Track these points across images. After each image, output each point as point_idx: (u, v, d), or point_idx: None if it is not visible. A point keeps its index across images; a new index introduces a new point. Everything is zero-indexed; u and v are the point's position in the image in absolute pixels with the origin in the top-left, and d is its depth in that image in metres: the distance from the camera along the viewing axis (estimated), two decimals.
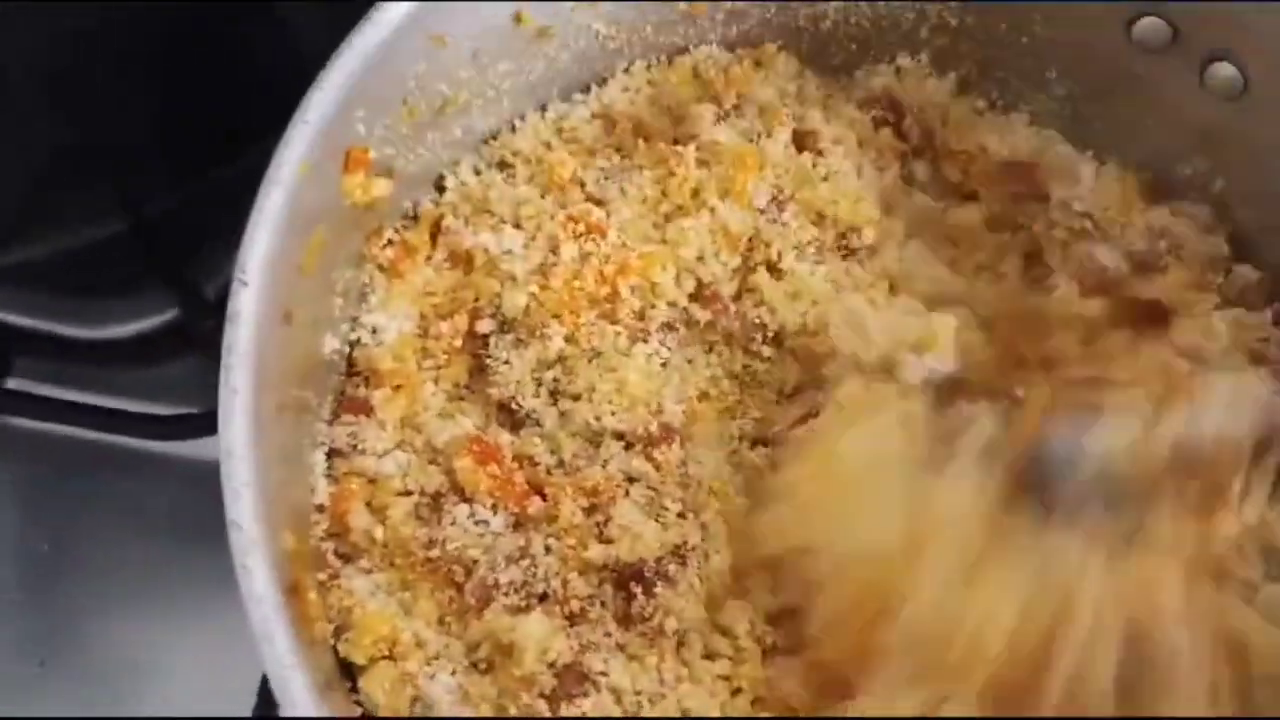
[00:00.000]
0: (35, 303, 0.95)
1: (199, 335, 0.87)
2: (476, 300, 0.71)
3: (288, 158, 0.61)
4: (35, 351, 0.95)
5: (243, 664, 0.77)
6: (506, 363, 0.70)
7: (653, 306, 0.71)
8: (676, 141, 0.76)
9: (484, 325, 0.71)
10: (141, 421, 0.90)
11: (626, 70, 0.80)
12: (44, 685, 0.88)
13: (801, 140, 0.77)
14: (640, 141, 0.77)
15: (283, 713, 0.52)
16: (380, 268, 0.73)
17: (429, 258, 0.74)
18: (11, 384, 0.94)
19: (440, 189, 0.77)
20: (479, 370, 0.72)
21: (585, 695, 0.59)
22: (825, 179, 0.75)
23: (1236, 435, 0.62)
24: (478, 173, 0.77)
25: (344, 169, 0.67)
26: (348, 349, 0.72)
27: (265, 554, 0.54)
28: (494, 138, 0.78)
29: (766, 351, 0.72)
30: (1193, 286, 0.75)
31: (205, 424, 0.85)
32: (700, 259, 0.72)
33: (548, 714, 0.59)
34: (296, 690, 0.53)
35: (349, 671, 0.63)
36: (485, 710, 0.61)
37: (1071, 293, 0.73)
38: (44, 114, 0.83)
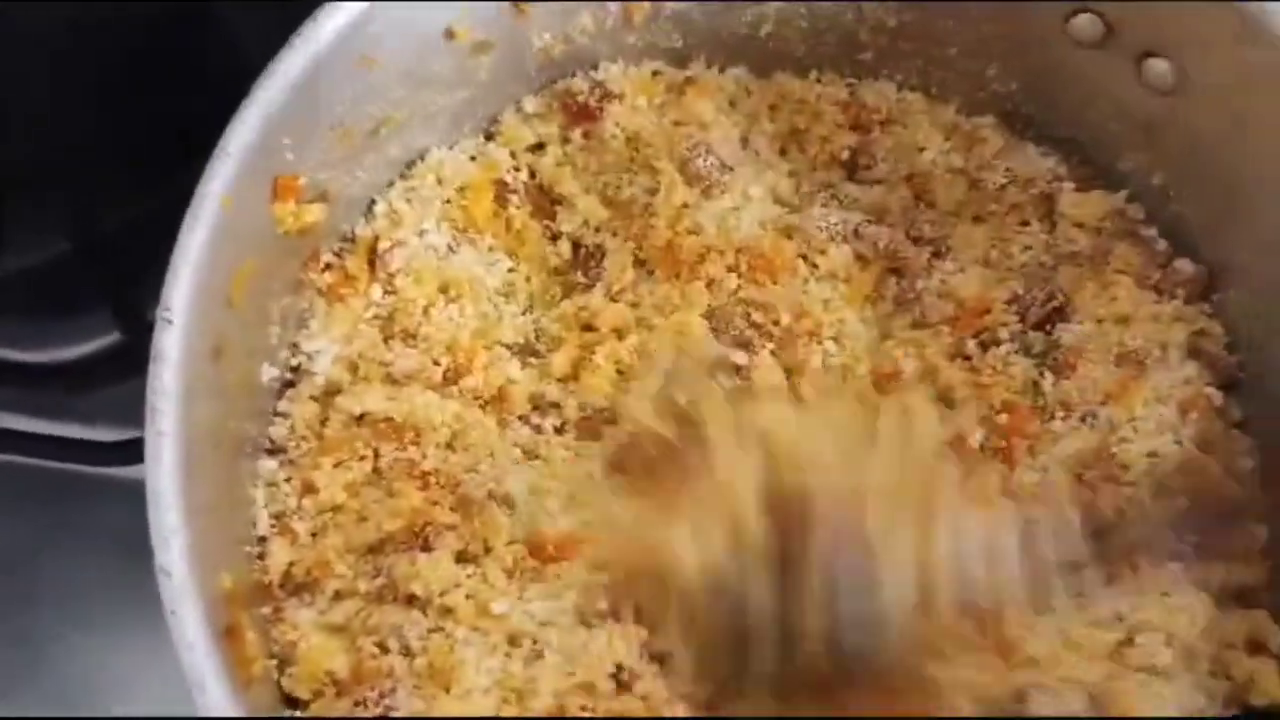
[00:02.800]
0: None
1: (142, 358, 0.86)
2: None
3: (209, 191, 0.61)
4: None
5: None
6: None
7: None
8: None
9: None
10: (86, 448, 0.89)
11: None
12: (6, 711, 0.88)
13: None
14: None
15: None
16: (319, 292, 0.73)
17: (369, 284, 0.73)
18: None
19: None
20: None
21: None
22: None
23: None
24: (408, 199, 0.76)
25: (273, 197, 0.67)
26: (288, 375, 0.72)
27: (196, 599, 0.54)
28: (422, 159, 0.77)
29: None
30: (1134, 282, 0.75)
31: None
32: None
33: None
34: None
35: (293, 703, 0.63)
36: None
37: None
38: None
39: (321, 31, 0.66)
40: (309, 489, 0.68)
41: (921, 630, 0.61)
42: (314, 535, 0.67)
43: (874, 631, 0.61)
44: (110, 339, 0.91)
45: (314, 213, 0.70)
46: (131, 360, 0.89)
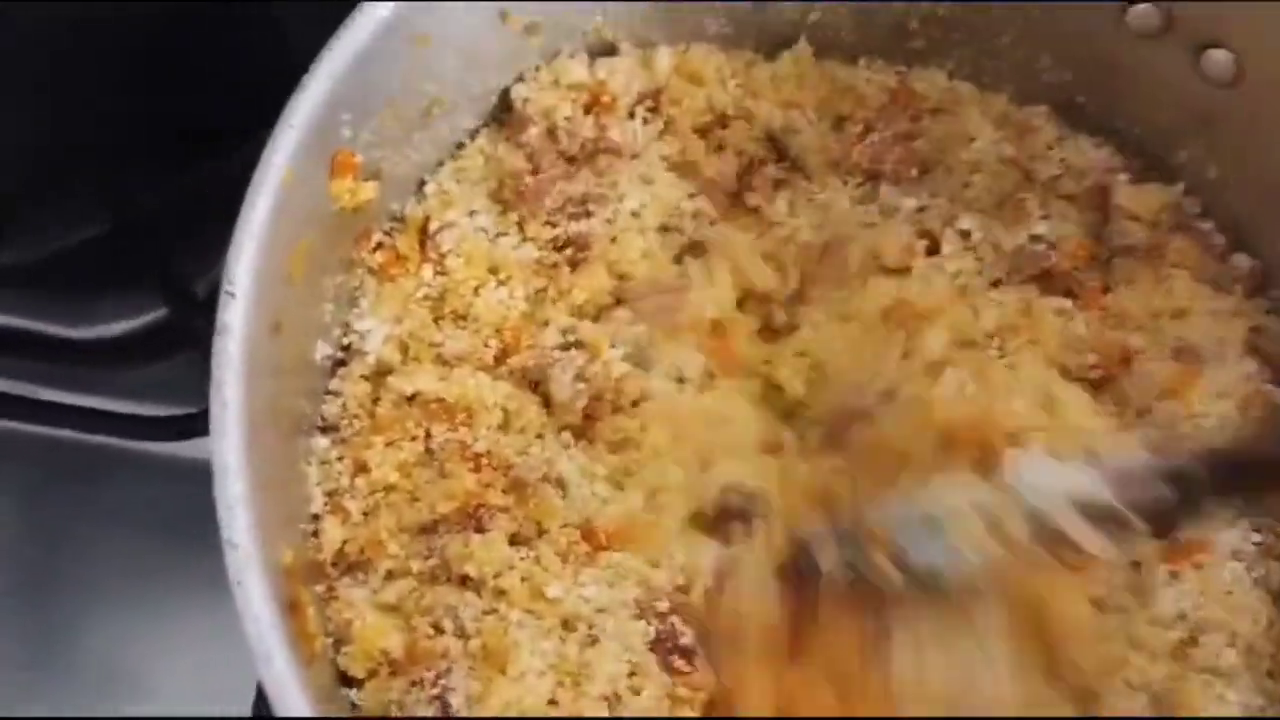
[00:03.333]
0: (22, 304, 0.94)
1: (188, 334, 0.86)
2: None
3: (273, 163, 0.61)
4: (23, 353, 0.94)
5: (239, 664, 0.77)
6: None
7: None
8: None
9: None
10: (132, 422, 0.89)
11: None
12: (39, 688, 0.88)
13: None
14: None
15: None
16: (370, 271, 0.73)
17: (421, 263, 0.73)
18: (1, 386, 0.93)
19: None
20: None
21: None
22: None
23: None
24: (458, 180, 0.76)
25: (331, 173, 0.66)
26: (340, 354, 0.71)
27: (261, 571, 0.54)
28: (472, 139, 0.77)
29: None
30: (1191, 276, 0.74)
31: (196, 424, 0.84)
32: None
33: None
34: (295, 709, 0.52)
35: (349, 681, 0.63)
36: None
37: None
38: (29, 112, 0.81)
39: (381, 7, 0.66)
40: (361, 468, 0.68)
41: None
42: (366, 514, 0.67)
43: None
44: (156, 315, 0.91)
45: (368, 190, 0.69)
46: (176, 336, 0.90)
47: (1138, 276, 0.74)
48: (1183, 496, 0.60)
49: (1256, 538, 0.67)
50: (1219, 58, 0.72)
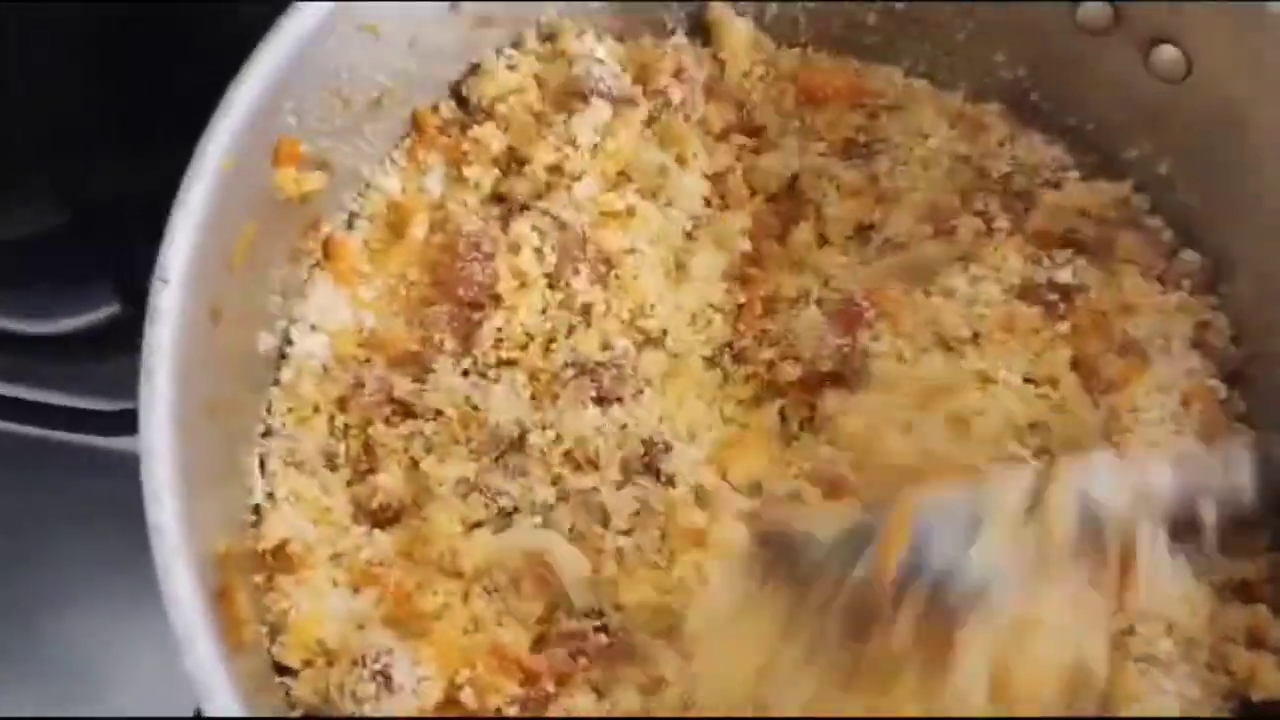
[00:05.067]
0: None
1: (141, 329, 0.85)
2: None
3: (210, 151, 0.60)
4: None
5: None
6: None
7: None
8: None
9: None
10: (88, 417, 0.88)
11: None
12: None
13: None
14: None
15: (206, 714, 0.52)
16: (317, 263, 0.72)
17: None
18: None
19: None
20: None
21: None
22: None
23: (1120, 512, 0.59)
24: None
25: (274, 162, 0.66)
26: (285, 346, 0.71)
27: (188, 558, 0.53)
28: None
29: None
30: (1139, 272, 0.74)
31: None
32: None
33: None
34: (220, 695, 0.52)
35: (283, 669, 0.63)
36: None
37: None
38: None
39: None
40: (304, 459, 0.68)
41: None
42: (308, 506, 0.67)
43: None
44: (111, 310, 0.91)
45: (315, 181, 0.69)
46: (132, 332, 0.89)
47: (1088, 272, 0.74)
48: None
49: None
50: (1168, 54, 0.72)
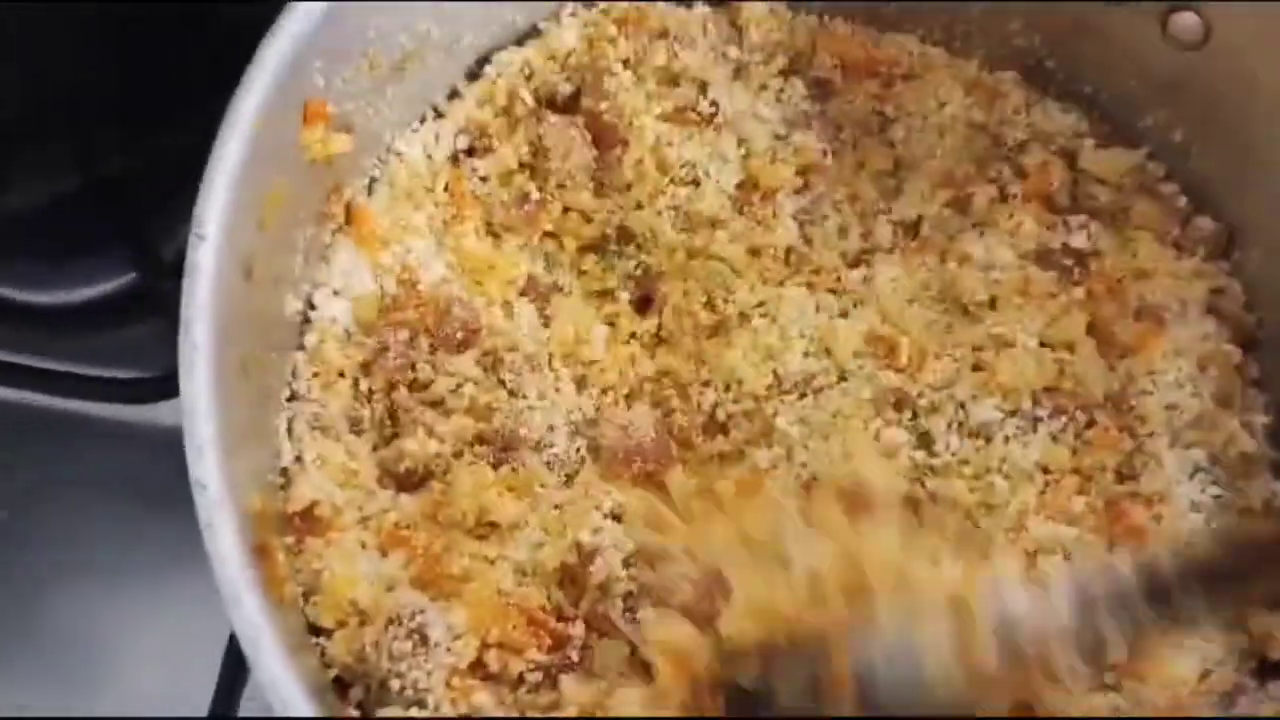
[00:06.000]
0: None
1: (157, 299, 0.85)
2: None
3: (244, 106, 0.60)
4: None
5: (207, 632, 0.77)
6: None
7: None
8: None
9: None
10: (101, 385, 0.87)
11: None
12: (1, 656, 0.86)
13: None
14: None
15: (254, 675, 0.51)
16: (339, 227, 0.72)
17: None
18: None
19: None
20: None
21: None
22: None
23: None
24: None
25: (302, 121, 0.66)
26: (309, 309, 0.71)
27: (231, 513, 0.53)
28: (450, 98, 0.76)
29: None
30: (1154, 238, 0.75)
31: (166, 387, 0.83)
32: None
33: None
34: (266, 652, 0.52)
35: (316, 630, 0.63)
36: None
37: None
38: None
39: None
40: (330, 424, 0.67)
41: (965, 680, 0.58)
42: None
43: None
44: (124, 280, 0.90)
45: (340, 142, 0.69)
46: (145, 301, 0.89)
47: (1103, 238, 0.75)
48: (1160, 615, 0.57)
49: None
50: (1187, 20, 0.73)
